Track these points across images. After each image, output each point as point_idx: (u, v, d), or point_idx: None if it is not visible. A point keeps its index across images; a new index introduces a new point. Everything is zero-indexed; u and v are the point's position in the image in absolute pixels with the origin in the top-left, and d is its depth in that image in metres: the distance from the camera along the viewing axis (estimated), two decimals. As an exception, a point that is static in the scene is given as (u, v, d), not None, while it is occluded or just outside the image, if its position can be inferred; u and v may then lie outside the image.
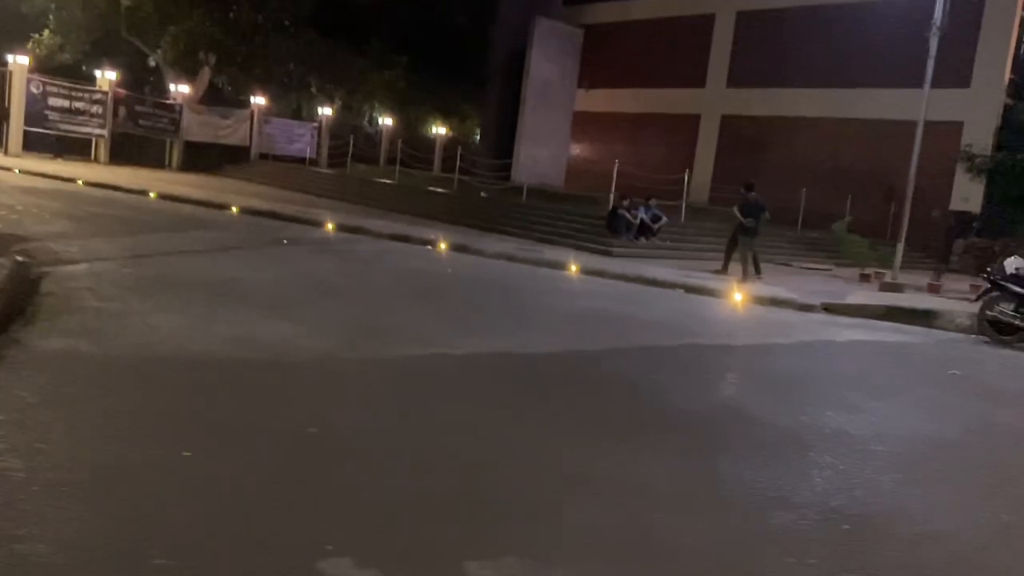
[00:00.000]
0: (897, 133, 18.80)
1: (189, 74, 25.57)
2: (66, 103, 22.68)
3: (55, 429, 3.66)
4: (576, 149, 28.84)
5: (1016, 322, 9.37)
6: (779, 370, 6.81)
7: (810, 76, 23.30)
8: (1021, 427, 5.72)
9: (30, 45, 23.08)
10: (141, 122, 24.59)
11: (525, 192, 19.70)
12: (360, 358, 5.58)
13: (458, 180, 22.07)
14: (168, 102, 25.38)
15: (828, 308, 10.81)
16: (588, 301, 9.63)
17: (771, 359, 7.29)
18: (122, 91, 24.39)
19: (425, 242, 13.64)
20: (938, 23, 12.60)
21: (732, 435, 4.68)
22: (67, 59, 23.95)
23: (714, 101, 26.21)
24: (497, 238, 15.40)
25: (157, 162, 25.30)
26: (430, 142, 30.76)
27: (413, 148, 27.86)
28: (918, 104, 13.57)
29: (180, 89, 25.29)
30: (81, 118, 23.05)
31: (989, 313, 9.59)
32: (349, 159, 26.02)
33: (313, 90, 28.05)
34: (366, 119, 31.38)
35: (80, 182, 17.58)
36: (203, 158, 25.67)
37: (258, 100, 26.60)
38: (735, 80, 25.79)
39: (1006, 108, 20.88)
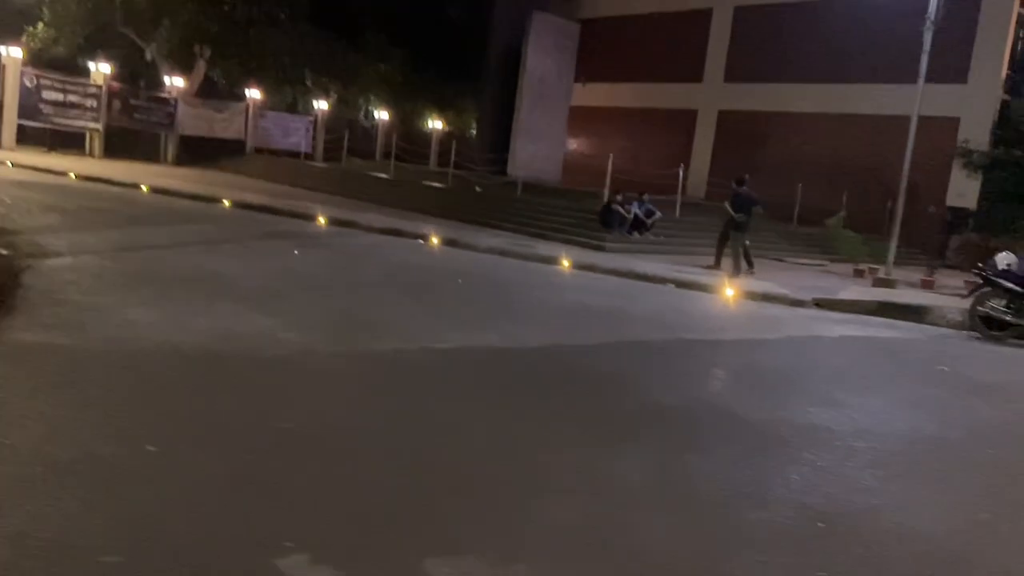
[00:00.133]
0: (894, 129, 18.72)
1: (184, 67, 25.46)
2: (60, 96, 22.59)
3: (24, 423, 3.61)
4: (573, 144, 28.77)
5: (1007, 318, 9.33)
6: (765, 366, 6.77)
7: (807, 72, 23.22)
8: (1007, 423, 5.68)
9: (24, 38, 22.95)
10: (136, 115, 24.50)
11: (519, 187, 19.63)
12: (340, 352, 5.53)
13: (452, 175, 21.99)
14: (163, 96, 25.28)
15: (820, 304, 10.77)
16: (577, 296, 9.58)
17: (758, 355, 7.24)
18: (116, 84, 24.29)
19: (417, 236, 13.59)
20: (932, 17, 12.53)
21: (711, 431, 4.64)
22: (61, 52, 23.82)
23: (711, 96, 26.14)
24: (490, 233, 15.34)
25: (152, 156, 25.21)
26: (426, 136, 30.67)
27: (409, 142, 27.78)
28: (915, 99, 13.50)
29: (175, 82, 25.18)
30: (75, 111, 22.96)
31: (980, 309, 9.55)
32: (344, 153, 25.93)
33: (308, 84, 27.93)
34: (362, 113, 31.27)
35: (72, 175, 17.51)
36: (198, 152, 25.58)
37: (253, 94, 26.49)
38: (732, 75, 25.71)
39: (1003, 104, 20.81)
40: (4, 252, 7.44)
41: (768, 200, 20.10)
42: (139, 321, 5.72)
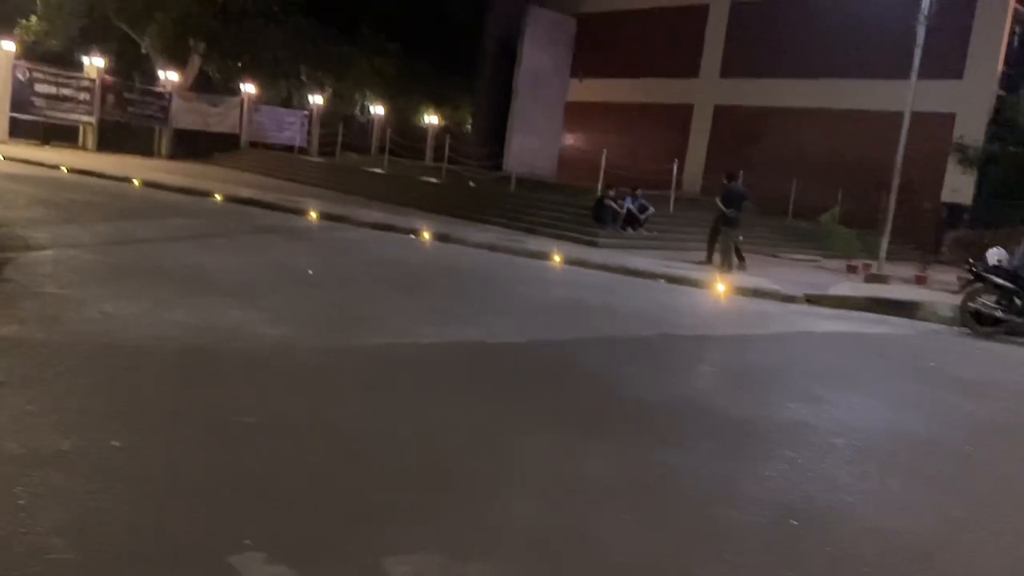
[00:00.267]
0: (889, 124, 18.62)
1: (178, 61, 25.35)
2: (53, 90, 22.48)
3: (-13, 417, 3.57)
4: (569, 139, 28.69)
5: (997, 314, 9.30)
6: (750, 361, 6.73)
7: (803, 67, 23.14)
8: (990, 419, 5.64)
9: (17, 31, 22.85)
10: (129, 109, 24.39)
11: (513, 182, 19.57)
12: (318, 347, 5.48)
13: (447, 170, 21.92)
14: (157, 89, 25.18)
15: (811, 299, 10.73)
16: (566, 291, 9.53)
17: (744, 350, 7.20)
18: (110, 78, 24.18)
19: (408, 231, 13.52)
20: (925, 12, 12.46)
21: (688, 427, 4.60)
22: (55, 46, 23.72)
23: (707, 91, 26.05)
24: (482, 228, 15.28)
25: (146, 150, 25.11)
26: (422, 131, 30.58)
27: (405, 137, 27.66)
28: (909, 95, 13.44)
29: (169, 76, 25.08)
30: (68, 105, 22.86)
31: (971, 305, 9.51)
32: (338, 147, 25.83)
33: (303, 78, 27.83)
34: (357, 107, 31.17)
35: (64, 169, 17.43)
36: (193, 146, 25.49)
37: (248, 88, 26.39)
38: (728, 71, 25.62)
39: (999, 100, 20.75)
40: (-15, 245, 7.38)
41: (764, 196, 20.26)
42: (117, 315, 5.67)
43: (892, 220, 13.91)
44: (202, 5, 23.96)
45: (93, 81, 23.38)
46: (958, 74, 20.50)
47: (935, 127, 20.19)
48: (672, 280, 11.34)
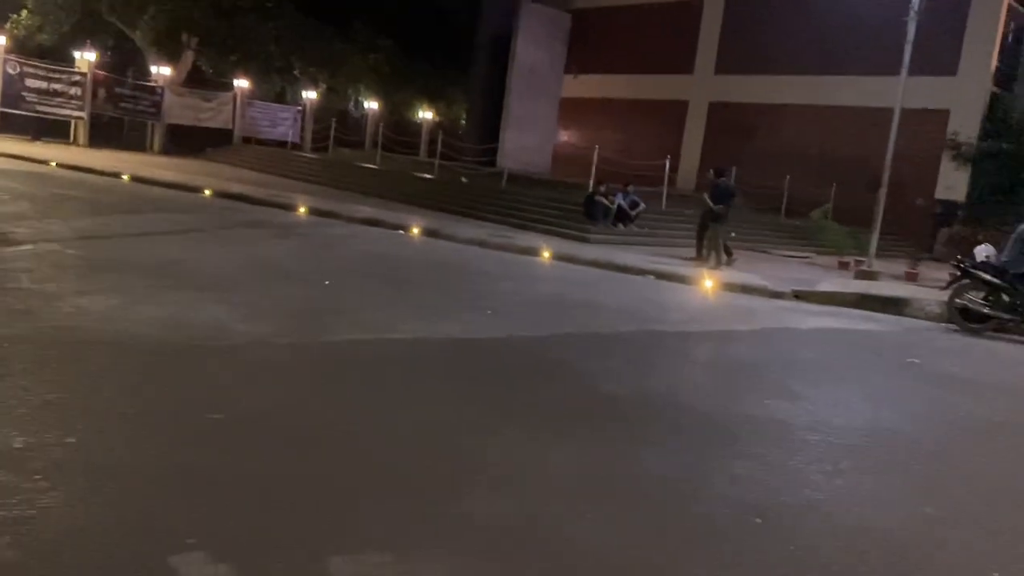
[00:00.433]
0: (883, 121, 18.54)
1: (171, 56, 25.23)
2: (44, 84, 22.36)
3: (-58, 413, 3.51)
4: (564, 135, 28.62)
5: (985, 310, 9.25)
6: (731, 357, 6.68)
7: (798, 63, 23.08)
8: (970, 416, 5.59)
9: (8, 26, 22.72)
10: (121, 104, 24.27)
11: (505, 178, 19.50)
12: (293, 342, 5.43)
13: (439, 165, 21.85)
14: (149, 84, 25.06)
15: (798, 295, 10.68)
16: (553, 287, 9.48)
17: (726, 346, 7.15)
18: (101, 73, 24.06)
19: (397, 227, 13.46)
20: (916, 7, 12.40)
21: (661, 423, 4.55)
22: (46, 40, 23.59)
23: (702, 88, 25.99)
24: (473, 224, 15.22)
25: (138, 145, 25.02)
26: (416, 127, 30.49)
27: (399, 133, 27.58)
28: (904, 91, 13.40)
29: (161, 71, 24.96)
30: (59, 100, 22.73)
31: (959, 301, 9.47)
32: (331, 143, 25.74)
33: (296, 73, 27.71)
34: (351, 103, 31.06)
35: (53, 164, 17.34)
36: (186, 141, 25.39)
37: (241, 83, 26.28)
38: (723, 67, 25.56)
39: (993, 96, 20.71)
40: (-37, 240, 7.32)
41: (758, 193, 20.21)
42: (90, 309, 5.61)
43: (886, 217, 13.86)
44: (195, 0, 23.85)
45: (84, 76, 23.26)
46: (952, 71, 20.45)
47: (929, 124, 20.15)
48: (661, 276, 11.29)
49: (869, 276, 12.77)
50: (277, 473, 3.27)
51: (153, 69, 25.16)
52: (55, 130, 23.62)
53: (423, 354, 5.62)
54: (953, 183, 20.64)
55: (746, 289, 10.78)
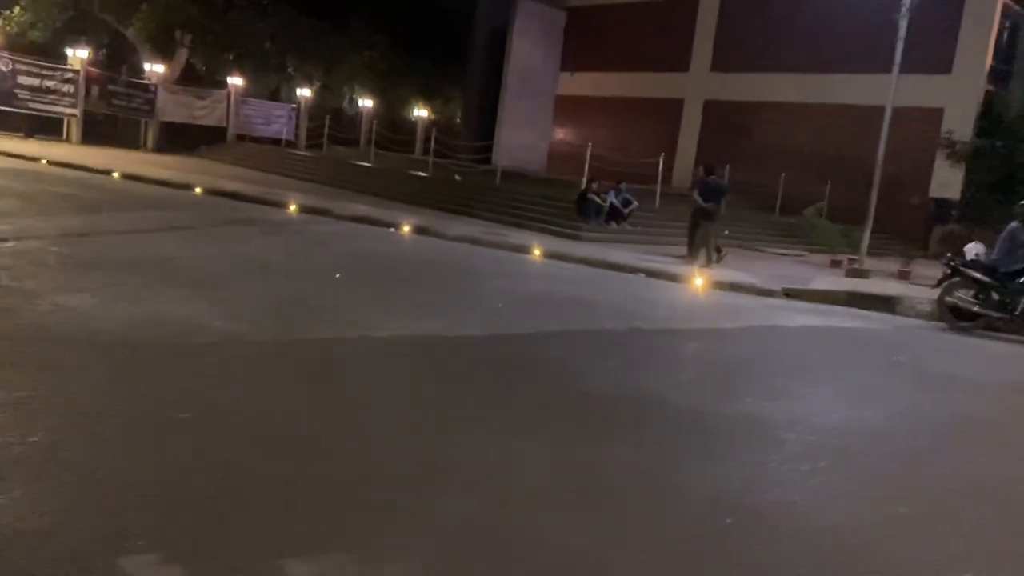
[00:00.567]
0: (877, 119, 18.52)
1: (165, 54, 25.15)
2: (36, 82, 22.27)
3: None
4: (559, 133, 28.56)
5: (975, 308, 9.22)
6: (715, 355, 6.64)
7: (793, 61, 23.03)
8: (952, 415, 5.55)
9: (0, 22, 22.64)
10: (114, 102, 24.19)
11: (499, 175, 19.44)
12: (270, 340, 5.38)
13: (433, 163, 21.79)
14: (143, 82, 24.98)
15: (789, 293, 10.65)
16: (542, 284, 9.44)
17: (710, 344, 7.11)
18: (94, 70, 23.98)
19: (388, 224, 13.41)
20: (908, 5, 12.36)
21: (637, 421, 4.51)
22: (39, 37, 23.50)
23: (698, 86, 25.93)
24: (465, 221, 15.18)
25: (132, 143, 24.94)
26: (412, 124, 30.43)
27: (395, 130, 27.51)
28: (898, 90, 13.37)
29: (155, 69, 24.87)
30: (52, 97, 22.65)
31: (948, 299, 9.43)
32: (325, 141, 25.69)
33: (291, 70, 27.63)
34: (346, 101, 30.99)
35: (44, 161, 17.27)
36: (180, 139, 25.32)
37: (235, 80, 26.19)
38: (719, 65, 25.50)
39: (987, 95, 20.66)
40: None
41: (754, 191, 20.16)
42: (68, 307, 5.56)
43: (880, 215, 13.82)
44: (188, -4, 23.79)
45: (77, 73, 23.18)
46: (947, 69, 20.40)
47: (923, 122, 20.12)
48: (651, 274, 11.25)
49: (860, 274, 12.74)
50: (238, 473, 3.23)
51: (147, 66, 25.08)
52: (48, 128, 23.54)
53: (402, 352, 5.57)
54: (948, 181, 20.61)
55: (736, 287, 10.75)
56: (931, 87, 19.87)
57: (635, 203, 15.83)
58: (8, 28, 22.78)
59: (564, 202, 16.36)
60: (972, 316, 9.27)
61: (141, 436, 3.51)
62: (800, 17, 23.07)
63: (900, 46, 12.60)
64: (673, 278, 11.13)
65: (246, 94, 27.00)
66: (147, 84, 24.91)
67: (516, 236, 13.56)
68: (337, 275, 7.77)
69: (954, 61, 20.45)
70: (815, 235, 18.23)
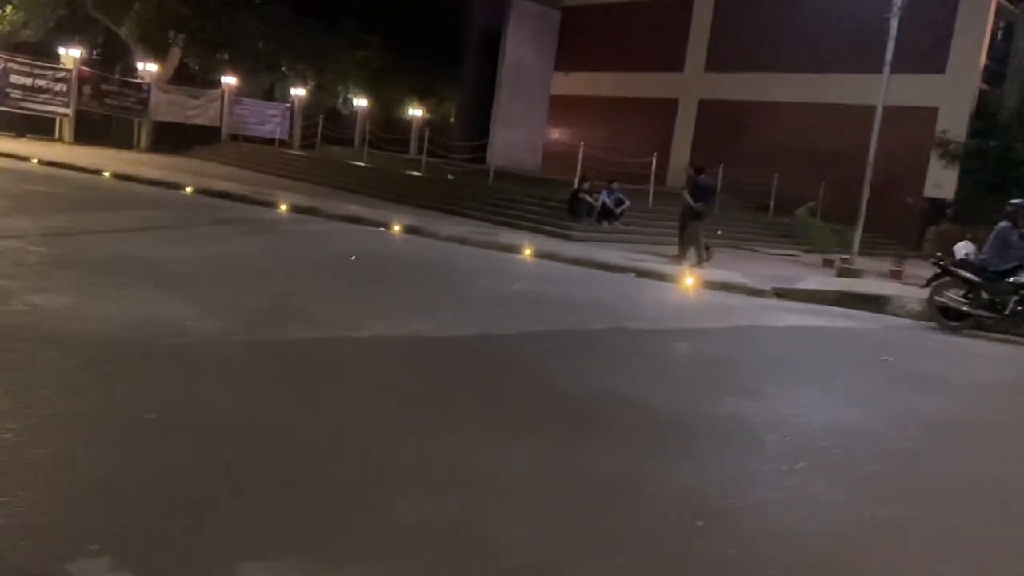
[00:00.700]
0: (871, 118, 18.60)
1: (158, 53, 25.06)
2: (28, 81, 22.17)
3: None
4: (554, 133, 28.52)
5: (964, 308, 9.17)
6: (700, 355, 6.59)
7: (787, 61, 23.02)
8: (937, 416, 5.50)
9: (-8, 21, 22.57)
10: (107, 101, 24.09)
11: (491, 175, 19.39)
12: (248, 341, 5.31)
13: (426, 162, 21.73)
14: (136, 81, 24.88)
15: (779, 293, 10.60)
16: (529, 284, 9.38)
17: (696, 344, 7.05)
18: (87, 69, 23.88)
19: (378, 224, 13.35)
20: (898, 3, 12.32)
21: (616, 422, 4.45)
22: (31, 36, 23.40)
23: (692, 85, 25.92)
24: (456, 221, 15.12)
25: (125, 142, 24.83)
26: (407, 124, 30.35)
27: (389, 130, 27.43)
28: (892, 90, 13.33)
29: (148, 68, 24.78)
30: (44, 96, 22.55)
31: (938, 299, 9.38)
32: (318, 140, 25.61)
33: (284, 70, 27.53)
34: (340, 100, 30.90)
35: (34, 161, 17.19)
36: (173, 139, 25.23)
37: (229, 80, 26.10)
38: (714, 65, 25.49)
39: (981, 94, 20.65)
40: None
41: (748, 190, 20.12)
42: (43, 307, 5.49)
43: (875, 215, 13.80)
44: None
45: (69, 72, 23.08)
46: (941, 68, 20.40)
47: (918, 121, 20.10)
48: (642, 274, 11.19)
49: (851, 274, 12.70)
50: (200, 476, 3.16)
51: (140, 66, 24.99)
52: (40, 127, 23.43)
53: (380, 353, 5.51)
54: (942, 181, 20.60)
55: (726, 287, 10.70)
56: (925, 87, 19.86)
57: (627, 203, 15.78)
58: (0, 27, 22.68)
59: (556, 202, 16.32)
60: (961, 316, 9.23)
61: (105, 437, 3.45)
62: (795, 17, 23.06)
63: (891, 45, 12.57)
64: (663, 278, 11.08)
65: (240, 93, 26.91)
66: (140, 83, 24.82)
67: (507, 236, 13.50)
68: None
69: (948, 61, 20.45)
70: (808, 235, 18.19)
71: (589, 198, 15.19)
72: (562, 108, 27.99)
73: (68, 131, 23.43)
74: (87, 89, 23.45)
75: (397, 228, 13.10)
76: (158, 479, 3.07)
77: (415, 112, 30.21)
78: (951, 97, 20.29)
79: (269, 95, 28.78)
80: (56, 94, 22.79)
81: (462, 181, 20.01)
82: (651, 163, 17.84)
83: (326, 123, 26.43)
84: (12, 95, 21.90)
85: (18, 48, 23.03)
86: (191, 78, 26.57)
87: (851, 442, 4.54)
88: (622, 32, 27.25)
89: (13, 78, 21.85)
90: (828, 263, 14.54)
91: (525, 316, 7.47)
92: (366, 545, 2.75)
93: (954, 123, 20.23)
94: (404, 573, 2.62)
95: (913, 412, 5.46)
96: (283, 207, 14.14)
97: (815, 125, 22.47)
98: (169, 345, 4.93)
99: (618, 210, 15.54)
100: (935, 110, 20.55)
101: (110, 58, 26.34)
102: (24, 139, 22.16)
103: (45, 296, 5.79)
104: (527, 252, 12.06)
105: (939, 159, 20.37)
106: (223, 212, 12.69)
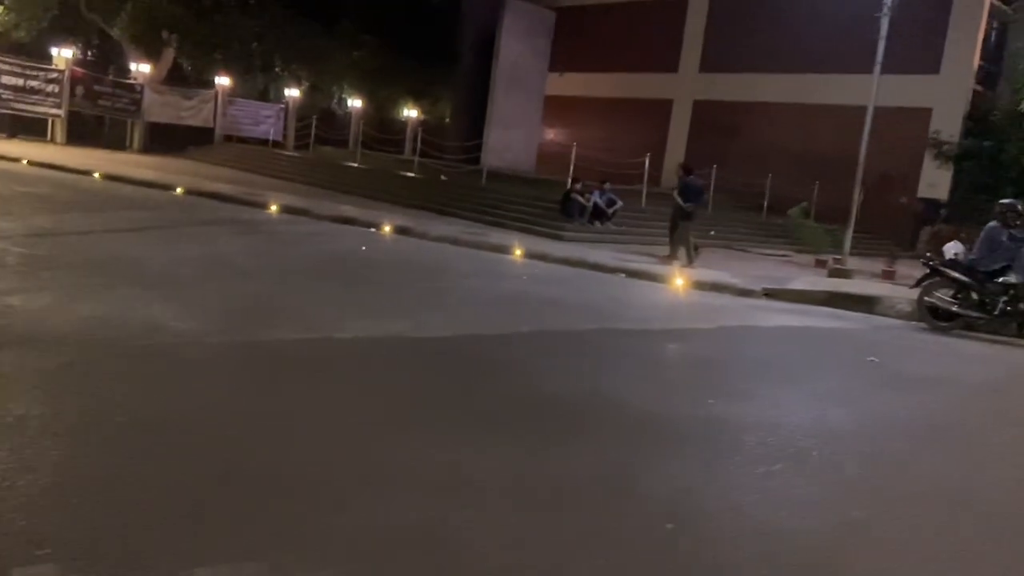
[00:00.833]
0: (864, 119, 18.59)
1: (151, 54, 24.98)
2: (20, 82, 22.08)
3: None
4: (549, 133, 28.47)
5: (954, 308, 9.14)
6: (686, 356, 6.54)
7: (782, 62, 23.00)
8: (921, 416, 5.46)
9: (-16, 21, 22.48)
10: (100, 102, 24.00)
11: (484, 175, 19.34)
12: (226, 342, 5.26)
13: (419, 163, 21.69)
14: (129, 82, 24.80)
15: (768, 293, 10.56)
16: (518, 284, 9.34)
17: (682, 344, 7.01)
18: (80, 70, 23.81)
19: (369, 224, 13.29)
20: (889, 3, 12.30)
21: (595, 423, 4.40)
22: (23, 37, 23.31)
23: (686, 86, 25.90)
24: (448, 221, 15.08)
25: (118, 143, 24.76)
26: (401, 125, 30.29)
27: (384, 131, 27.36)
28: (886, 90, 13.30)
29: (141, 69, 24.70)
30: (36, 97, 22.46)
31: (928, 299, 9.35)
32: (312, 141, 25.54)
33: (278, 70, 27.46)
34: (335, 100, 30.84)
35: (25, 162, 17.11)
36: (167, 140, 25.13)
37: (222, 81, 26.03)
38: (708, 65, 25.48)
39: (975, 95, 20.64)
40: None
41: (742, 191, 20.08)
42: (22, 308, 5.44)
43: (869, 215, 13.78)
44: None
45: (61, 72, 23.00)
46: (934, 69, 20.39)
47: (911, 122, 20.09)
48: (632, 274, 11.15)
49: (843, 274, 12.67)
50: (162, 479, 3.11)
51: (133, 66, 24.90)
52: (33, 128, 23.33)
53: (363, 353, 5.46)
54: (936, 181, 20.58)
55: (716, 287, 10.66)
56: (919, 87, 19.85)
57: (619, 203, 15.75)
58: (-8, 28, 22.61)
59: (548, 202, 16.28)
60: (951, 316, 9.20)
61: (71, 441, 3.39)
62: (789, 18, 23.05)
63: (881, 45, 12.54)
64: (654, 278, 11.04)
65: (233, 94, 26.83)
66: (133, 84, 24.74)
67: (498, 236, 13.46)
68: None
69: (942, 61, 20.44)
70: (800, 235, 18.16)
71: (581, 199, 15.15)
72: (557, 109, 27.95)
73: (60, 132, 23.33)
74: (80, 90, 23.36)
75: (388, 229, 13.05)
76: (118, 483, 3.02)
77: (410, 113, 30.15)
78: (945, 98, 20.28)
79: (263, 96, 28.70)
80: (48, 95, 22.71)
81: (455, 182, 19.97)
82: (650, 164, 17.79)
83: (320, 124, 26.37)
84: (4, 96, 21.81)
85: (10, 49, 22.94)
86: (184, 79, 26.50)
87: (831, 443, 4.50)
88: (617, 33, 27.23)
89: (5, 79, 21.75)
90: (821, 263, 14.50)
91: (511, 317, 7.43)
92: (329, 550, 2.70)
93: (948, 124, 20.22)
94: (367, 578, 2.57)
95: (897, 413, 5.42)
96: (274, 208, 14.09)
97: (809, 126, 22.45)
98: (147, 346, 4.88)
99: (610, 211, 15.51)
100: (929, 111, 20.54)
101: (103, 59, 26.28)
102: (16, 140, 22.07)
103: (25, 297, 5.74)
104: (518, 252, 12.02)
105: (933, 159, 20.36)
106: (212, 213, 12.63)
